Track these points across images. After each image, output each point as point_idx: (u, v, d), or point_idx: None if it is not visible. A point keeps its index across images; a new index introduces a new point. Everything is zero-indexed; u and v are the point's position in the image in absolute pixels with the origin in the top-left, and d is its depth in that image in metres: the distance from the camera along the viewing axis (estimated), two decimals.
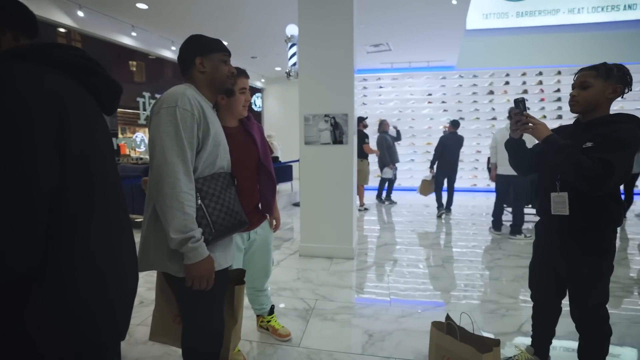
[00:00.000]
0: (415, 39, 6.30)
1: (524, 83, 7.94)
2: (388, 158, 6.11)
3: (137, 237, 1.02)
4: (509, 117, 1.52)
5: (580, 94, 1.39)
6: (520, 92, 7.88)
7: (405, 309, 2.43)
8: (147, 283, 2.83)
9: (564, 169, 1.36)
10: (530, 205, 4.61)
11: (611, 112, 1.43)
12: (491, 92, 8.06)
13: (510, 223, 4.26)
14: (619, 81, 1.36)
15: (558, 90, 7.75)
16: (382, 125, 6.27)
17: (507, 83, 8.00)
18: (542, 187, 1.55)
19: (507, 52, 7.63)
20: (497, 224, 4.47)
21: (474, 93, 8.17)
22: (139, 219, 4.58)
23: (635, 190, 5.74)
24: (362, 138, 5.59)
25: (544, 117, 7.78)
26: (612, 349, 1.84)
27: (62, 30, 5.13)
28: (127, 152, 6.81)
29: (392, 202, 6.52)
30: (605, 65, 1.38)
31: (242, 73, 1.58)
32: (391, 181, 6.50)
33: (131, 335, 2.07)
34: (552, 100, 7.80)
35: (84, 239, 0.72)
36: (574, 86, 1.43)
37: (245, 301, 2.08)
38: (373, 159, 6.73)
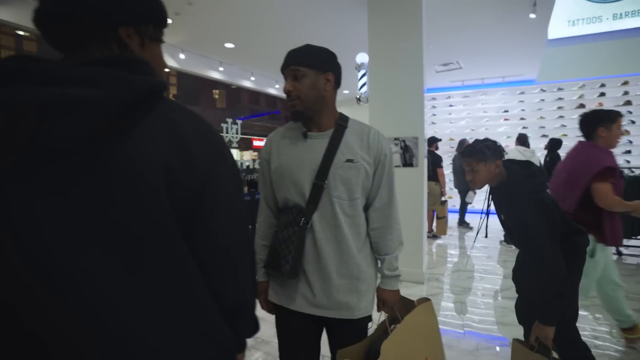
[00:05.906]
0: (489, 56, 6.04)
1: (626, 93, 6.97)
2: None
3: None
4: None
5: (474, 177, 1.60)
6: (621, 104, 6.92)
7: (481, 342, 2.30)
8: None
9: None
10: None
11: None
12: (582, 106, 7.23)
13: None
14: (496, 157, 1.56)
15: None
16: (463, 145, 5.96)
17: (602, 94, 7.12)
18: None
19: (602, 59, 6.84)
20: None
21: (559, 107, 7.43)
22: None
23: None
24: (437, 161, 5.28)
25: None
26: None
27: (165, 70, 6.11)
28: None
29: (468, 227, 6.15)
30: (478, 150, 1.57)
31: None
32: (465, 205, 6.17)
33: None
34: None
35: None
36: (466, 171, 1.63)
37: None
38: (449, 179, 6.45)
